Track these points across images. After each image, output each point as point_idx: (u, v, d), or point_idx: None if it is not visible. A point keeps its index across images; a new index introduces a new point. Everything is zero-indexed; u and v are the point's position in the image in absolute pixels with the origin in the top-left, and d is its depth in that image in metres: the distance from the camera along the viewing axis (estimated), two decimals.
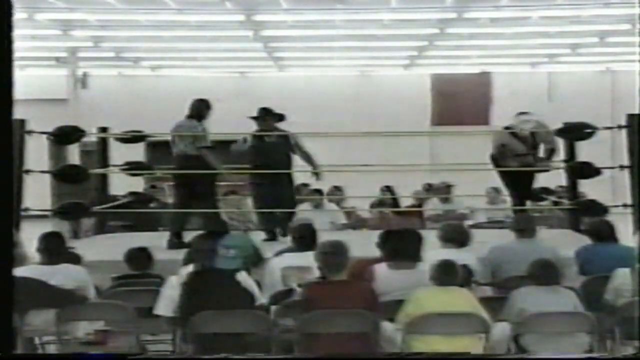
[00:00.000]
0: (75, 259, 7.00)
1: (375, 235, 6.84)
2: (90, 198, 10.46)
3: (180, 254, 7.13)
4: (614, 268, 6.44)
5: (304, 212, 11.47)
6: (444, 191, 12.52)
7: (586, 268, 6.96)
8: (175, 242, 8.71)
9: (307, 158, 9.46)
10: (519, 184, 9.83)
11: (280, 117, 9.57)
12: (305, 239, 7.04)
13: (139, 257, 7.16)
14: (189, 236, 8.63)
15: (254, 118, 9.44)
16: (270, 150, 9.31)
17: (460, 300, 5.73)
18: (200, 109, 9.03)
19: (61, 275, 6.27)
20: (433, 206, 12.41)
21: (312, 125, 17.19)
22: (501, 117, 20.09)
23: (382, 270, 6.29)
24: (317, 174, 9.57)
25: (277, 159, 9.23)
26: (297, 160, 9.52)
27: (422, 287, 5.93)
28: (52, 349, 6.33)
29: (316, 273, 6.14)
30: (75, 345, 6.11)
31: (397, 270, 6.27)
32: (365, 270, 6.31)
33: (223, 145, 9.36)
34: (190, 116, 9.00)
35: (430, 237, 7.26)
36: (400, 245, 6.44)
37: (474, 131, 19.70)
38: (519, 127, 9.70)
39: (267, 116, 9.48)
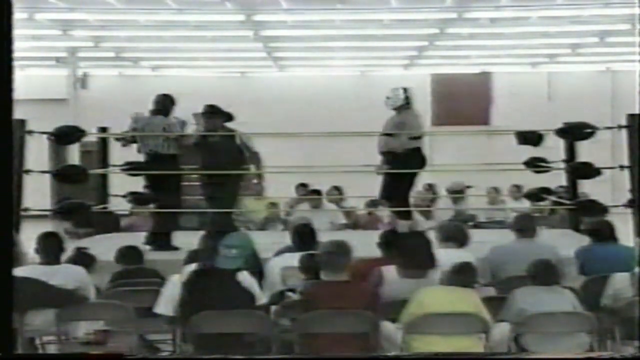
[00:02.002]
0: (89, 260, 7.03)
1: (371, 234, 6.84)
2: (90, 198, 10.46)
3: (177, 254, 7.16)
4: (614, 268, 6.45)
5: (302, 212, 11.49)
6: (461, 191, 12.45)
7: (586, 268, 6.97)
8: (161, 244, 8.70)
9: (253, 158, 9.03)
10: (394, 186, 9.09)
11: (229, 117, 9.02)
12: (305, 238, 7.04)
13: (129, 254, 7.22)
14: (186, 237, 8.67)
15: (199, 115, 8.99)
16: (213, 150, 8.85)
17: (463, 300, 5.72)
18: (165, 105, 8.93)
19: (61, 276, 6.27)
20: (444, 206, 12.33)
21: (312, 125, 17.23)
22: (501, 117, 20.18)
23: (391, 275, 6.25)
24: (259, 176, 9.21)
25: (222, 159, 8.76)
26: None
27: (427, 287, 5.94)
28: (52, 349, 6.33)
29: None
30: (75, 345, 6.11)
31: (408, 279, 6.19)
32: (370, 271, 6.29)
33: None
34: (156, 112, 8.88)
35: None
36: (412, 253, 6.36)
37: (474, 131, 19.74)
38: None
39: (212, 114, 8.96)
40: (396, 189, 8.98)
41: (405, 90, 8.99)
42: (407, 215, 9.02)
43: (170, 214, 8.98)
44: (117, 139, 9.84)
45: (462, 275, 5.87)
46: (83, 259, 6.94)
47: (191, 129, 9.11)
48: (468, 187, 12.55)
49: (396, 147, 8.81)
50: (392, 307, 5.85)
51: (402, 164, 8.79)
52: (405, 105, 8.93)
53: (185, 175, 9.74)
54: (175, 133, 8.82)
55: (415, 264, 6.26)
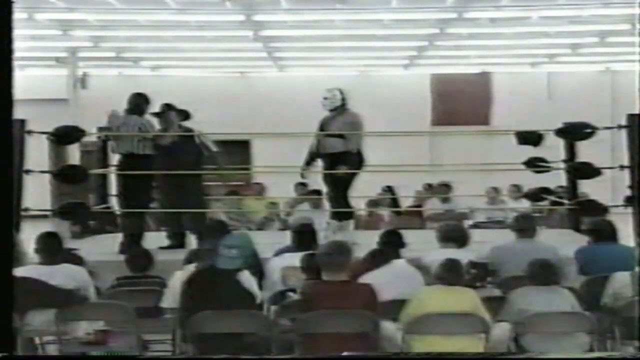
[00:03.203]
0: (78, 261, 7.00)
1: (370, 235, 6.87)
2: (90, 198, 10.46)
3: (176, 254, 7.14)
4: (614, 268, 6.45)
5: (302, 211, 11.49)
6: (443, 191, 12.51)
7: (586, 268, 6.96)
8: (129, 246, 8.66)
9: (213, 158, 8.91)
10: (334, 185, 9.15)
11: (186, 115, 8.92)
12: (305, 238, 7.05)
13: (140, 259, 7.16)
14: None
15: (155, 114, 8.85)
16: (170, 151, 8.69)
17: (463, 300, 5.72)
18: (139, 104, 8.83)
19: (61, 275, 6.27)
20: (432, 206, 12.40)
21: (312, 125, 17.20)
22: (501, 117, 20.17)
23: (367, 276, 6.31)
24: (221, 175, 9.11)
25: (180, 160, 8.63)
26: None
27: (426, 286, 5.95)
28: (52, 349, 6.33)
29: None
30: (75, 345, 6.11)
31: (377, 269, 6.33)
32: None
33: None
34: (130, 111, 8.79)
35: (431, 237, 7.29)
36: (377, 248, 6.63)
37: (474, 131, 19.73)
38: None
39: (168, 113, 8.85)
40: (339, 189, 9.04)
41: (341, 91, 9.17)
42: (348, 216, 9.15)
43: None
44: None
45: (456, 274, 5.86)
46: (71, 260, 6.90)
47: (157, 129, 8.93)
48: (445, 185, 12.57)
49: (352, 147, 8.97)
50: (394, 307, 5.85)
51: (349, 164, 8.92)
52: (342, 106, 9.03)
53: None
54: (150, 133, 8.69)
55: (379, 257, 6.46)
